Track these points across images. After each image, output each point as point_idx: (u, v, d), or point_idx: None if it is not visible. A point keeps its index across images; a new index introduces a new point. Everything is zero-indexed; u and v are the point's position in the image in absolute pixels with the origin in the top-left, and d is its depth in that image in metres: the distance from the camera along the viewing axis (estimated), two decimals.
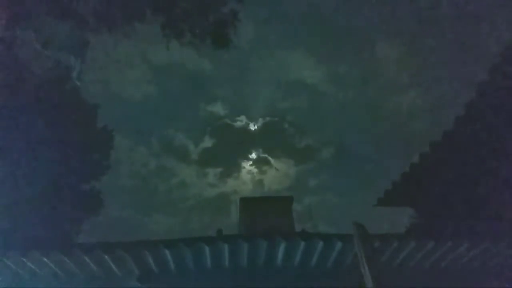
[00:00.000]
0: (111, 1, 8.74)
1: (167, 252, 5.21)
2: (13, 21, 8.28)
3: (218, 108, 31.39)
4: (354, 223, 4.37)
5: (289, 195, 8.95)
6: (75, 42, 10.14)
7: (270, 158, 31.32)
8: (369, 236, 4.35)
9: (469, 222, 6.64)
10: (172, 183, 29.88)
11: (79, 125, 11.24)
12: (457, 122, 6.26)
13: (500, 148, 6.12)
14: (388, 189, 7.78)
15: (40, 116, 9.75)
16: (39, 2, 8.29)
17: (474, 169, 6.58)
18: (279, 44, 29.33)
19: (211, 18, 9.56)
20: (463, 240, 5.44)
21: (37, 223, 9.45)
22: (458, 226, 6.74)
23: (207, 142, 31.05)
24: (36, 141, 9.64)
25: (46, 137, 9.81)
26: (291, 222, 7.73)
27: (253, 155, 31.66)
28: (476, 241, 5.47)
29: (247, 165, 31.54)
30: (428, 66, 22.86)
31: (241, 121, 31.72)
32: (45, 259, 5.24)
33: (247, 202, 8.27)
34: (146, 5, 9.07)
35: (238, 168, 31.36)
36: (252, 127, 31.90)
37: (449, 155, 6.65)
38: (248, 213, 7.83)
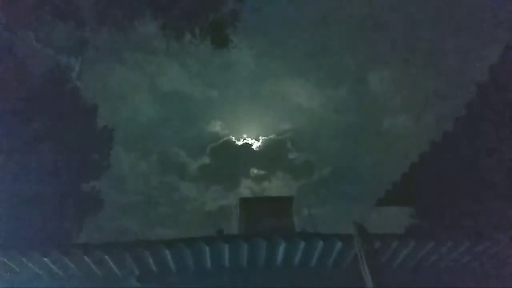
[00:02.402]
0: (111, 0, 8.74)
1: (167, 252, 5.21)
2: (13, 21, 8.28)
3: (218, 128, 33.28)
4: (354, 223, 4.36)
5: (289, 196, 8.94)
6: (75, 42, 10.15)
7: (269, 175, 32.30)
8: (369, 236, 4.34)
9: (469, 222, 6.63)
10: (174, 197, 31.16)
11: (79, 125, 11.24)
12: (457, 123, 6.26)
13: (500, 148, 6.13)
14: (388, 189, 7.78)
15: (40, 116, 9.75)
16: (39, 2, 8.29)
17: (474, 169, 6.58)
18: (279, 72, 31.99)
19: (211, 18, 9.56)
20: (463, 240, 5.44)
21: (37, 223, 9.44)
22: (458, 226, 6.74)
23: (209, 160, 32.32)
24: (36, 141, 9.63)
25: (46, 137, 9.82)
26: (291, 222, 7.73)
27: (254, 172, 32.62)
28: (476, 241, 5.47)
29: (247, 181, 32.42)
30: (417, 93, 25.36)
31: (242, 140, 33.05)
32: (45, 259, 5.24)
33: (247, 202, 8.27)
34: (146, 5, 9.07)
35: (239, 184, 32.29)
36: (253, 146, 33.16)
37: (449, 155, 6.65)
38: (248, 213, 7.83)
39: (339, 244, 5.29)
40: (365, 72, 29.24)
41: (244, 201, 8.34)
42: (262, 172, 32.35)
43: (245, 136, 33.25)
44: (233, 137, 33.16)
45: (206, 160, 32.32)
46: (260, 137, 33.16)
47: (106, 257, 5.21)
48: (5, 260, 5.28)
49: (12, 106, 9.12)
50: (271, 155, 32.16)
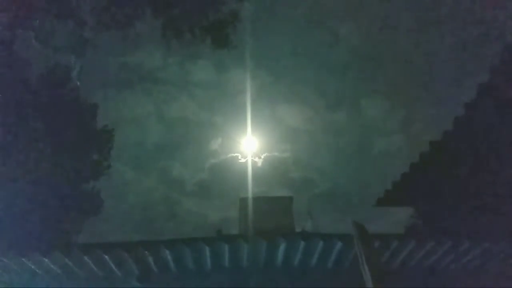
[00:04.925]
0: (111, 1, 8.74)
1: (167, 252, 5.21)
2: (13, 21, 8.28)
3: (218, 147, 34.89)
4: (354, 223, 4.36)
5: (289, 195, 8.93)
6: (75, 42, 10.15)
7: (269, 191, 33.29)
8: (369, 236, 4.34)
9: (469, 222, 6.63)
10: (175, 211, 32.49)
11: (79, 125, 11.24)
12: (457, 123, 6.26)
13: (500, 148, 6.12)
14: (388, 189, 7.76)
15: (40, 116, 9.75)
16: (39, 2, 8.29)
17: (474, 169, 6.57)
18: (280, 98, 33.41)
19: (211, 18, 9.57)
20: (463, 240, 5.44)
21: (37, 223, 9.44)
22: (458, 226, 6.74)
23: (210, 175, 33.51)
24: (36, 141, 9.63)
25: (45, 137, 9.81)
26: (291, 222, 7.73)
27: (254, 189, 33.52)
28: (476, 241, 5.47)
29: (247, 195, 33.35)
30: (410, 115, 27.67)
31: (243, 158, 34.42)
32: (45, 259, 5.24)
33: (247, 202, 8.26)
34: (146, 5, 9.08)
35: (238, 198, 33.32)
36: (254, 162, 34.40)
37: (449, 155, 6.65)
38: (248, 213, 7.83)
39: (339, 244, 5.28)
40: (361, 97, 31.65)
41: (244, 201, 8.32)
42: (262, 188, 33.57)
43: (244, 154, 34.83)
44: (233, 156, 34.60)
45: (207, 176, 33.68)
46: (261, 155, 34.68)
47: (106, 257, 5.21)
48: (5, 260, 5.28)
49: (11, 106, 9.11)
50: (271, 173, 33.49)
